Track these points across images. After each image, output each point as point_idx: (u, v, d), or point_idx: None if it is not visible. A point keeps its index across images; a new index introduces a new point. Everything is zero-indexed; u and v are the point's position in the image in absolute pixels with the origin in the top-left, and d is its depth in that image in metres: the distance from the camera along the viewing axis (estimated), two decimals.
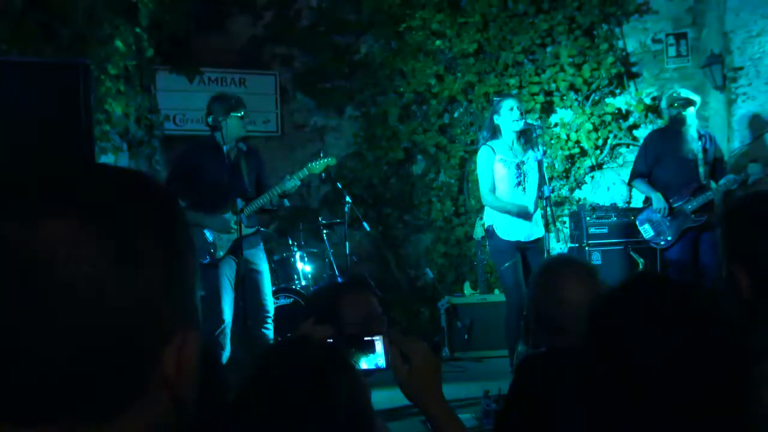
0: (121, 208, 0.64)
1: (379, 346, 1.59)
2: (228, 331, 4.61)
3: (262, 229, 5.09)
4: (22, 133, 3.44)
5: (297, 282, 5.83)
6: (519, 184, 4.86)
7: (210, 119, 4.63)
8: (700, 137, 5.40)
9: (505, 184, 4.88)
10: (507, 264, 4.77)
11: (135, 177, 0.69)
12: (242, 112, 4.67)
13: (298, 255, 5.95)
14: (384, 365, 1.58)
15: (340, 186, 5.72)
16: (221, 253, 4.63)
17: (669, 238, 5.33)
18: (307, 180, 5.13)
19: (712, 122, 6.65)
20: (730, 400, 1.09)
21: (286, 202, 4.88)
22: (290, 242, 6.02)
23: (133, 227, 0.64)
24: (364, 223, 5.95)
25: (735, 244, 1.60)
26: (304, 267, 5.98)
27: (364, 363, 1.57)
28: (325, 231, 6.17)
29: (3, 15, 4.32)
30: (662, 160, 5.41)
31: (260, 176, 4.87)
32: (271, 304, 4.81)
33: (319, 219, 6.38)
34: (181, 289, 0.67)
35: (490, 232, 4.91)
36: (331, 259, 6.03)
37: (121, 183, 0.67)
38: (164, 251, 0.65)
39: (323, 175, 5.19)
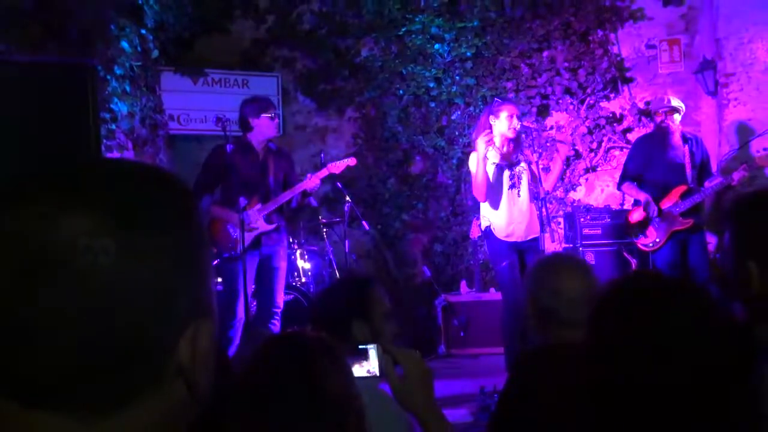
0: (137, 201, 0.65)
1: (372, 354, 1.62)
2: (240, 325, 4.69)
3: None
4: (30, 130, 3.53)
5: (297, 279, 5.92)
6: (513, 186, 4.86)
7: (242, 120, 4.86)
8: (686, 141, 5.40)
9: (499, 187, 4.86)
10: (504, 263, 4.76)
11: (151, 171, 0.69)
12: (273, 113, 4.90)
13: (298, 252, 6.02)
14: (377, 373, 1.61)
15: (340, 185, 5.79)
16: (242, 248, 4.70)
17: (657, 240, 5.33)
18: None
19: (703, 127, 6.72)
20: (733, 396, 1.08)
21: (313, 202, 5.03)
22: (290, 240, 6.10)
23: (149, 220, 0.64)
24: (363, 222, 6.00)
25: (749, 239, 1.55)
26: (304, 264, 6.06)
27: (357, 370, 1.59)
28: (325, 229, 6.22)
29: (11, 16, 4.38)
30: (651, 164, 5.41)
31: (288, 177, 4.99)
32: (281, 301, 4.90)
33: (319, 217, 6.43)
34: (196, 280, 0.68)
35: (487, 233, 4.90)
36: (331, 256, 6.10)
37: (137, 177, 0.68)
38: (180, 244, 0.66)
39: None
